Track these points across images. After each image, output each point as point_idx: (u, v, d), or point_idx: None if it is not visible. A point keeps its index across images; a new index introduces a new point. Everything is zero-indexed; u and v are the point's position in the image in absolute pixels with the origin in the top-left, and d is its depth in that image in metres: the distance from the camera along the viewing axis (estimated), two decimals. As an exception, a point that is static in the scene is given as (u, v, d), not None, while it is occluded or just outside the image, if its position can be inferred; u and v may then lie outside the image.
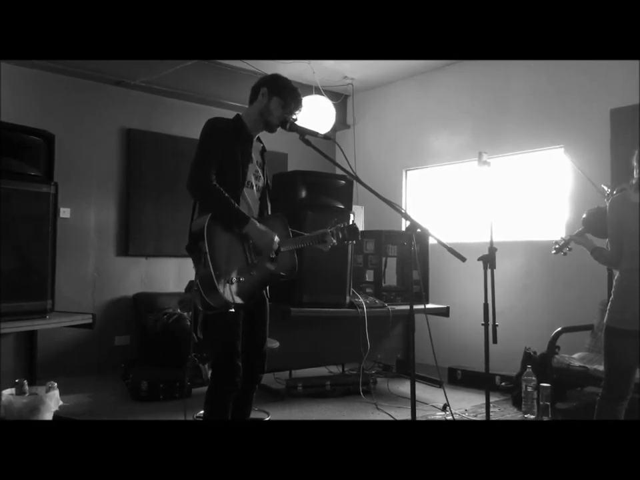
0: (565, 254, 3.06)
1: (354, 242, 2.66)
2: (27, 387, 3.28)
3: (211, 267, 2.17)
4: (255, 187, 2.50)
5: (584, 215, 3.23)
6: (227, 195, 2.29)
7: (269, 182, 2.61)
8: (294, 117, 2.48)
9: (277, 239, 2.39)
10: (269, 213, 2.59)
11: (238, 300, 2.25)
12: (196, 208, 2.40)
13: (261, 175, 2.55)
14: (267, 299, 2.59)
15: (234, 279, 2.25)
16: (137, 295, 5.38)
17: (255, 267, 2.36)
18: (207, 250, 2.18)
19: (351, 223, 2.63)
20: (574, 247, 3.03)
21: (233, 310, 2.25)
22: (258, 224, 2.35)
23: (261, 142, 2.60)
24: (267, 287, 2.56)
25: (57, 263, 3.61)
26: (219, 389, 2.41)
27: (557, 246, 3.07)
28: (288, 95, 2.46)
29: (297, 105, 2.49)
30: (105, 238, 5.34)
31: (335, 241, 2.54)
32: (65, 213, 4.94)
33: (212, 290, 2.18)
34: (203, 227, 2.22)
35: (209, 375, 4.68)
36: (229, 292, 2.22)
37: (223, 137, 2.38)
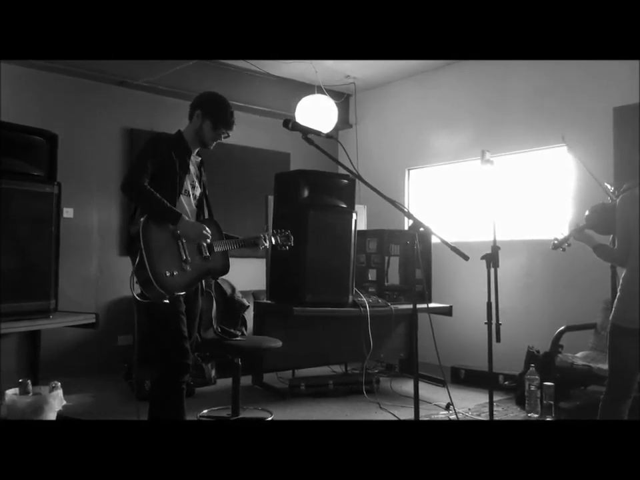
0: (563, 250, 3.04)
1: (287, 247, 3.03)
2: (30, 387, 3.28)
3: (146, 262, 2.41)
4: (191, 196, 2.78)
5: (587, 212, 3.21)
6: (158, 195, 2.50)
7: (206, 191, 2.88)
8: (224, 136, 2.76)
9: (207, 230, 2.62)
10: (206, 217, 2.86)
11: (171, 291, 2.50)
12: (136, 212, 2.61)
13: (197, 185, 2.82)
14: (200, 294, 2.83)
15: (167, 273, 2.48)
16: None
17: (189, 264, 2.59)
18: (143, 247, 2.42)
19: (283, 230, 3.03)
20: (576, 245, 3.01)
21: (167, 301, 2.50)
22: (188, 219, 2.60)
23: (200, 156, 2.88)
24: (202, 283, 2.83)
25: (60, 263, 3.62)
26: (170, 373, 2.54)
27: (556, 241, 3.05)
28: (219, 120, 2.71)
29: (228, 128, 2.74)
30: (107, 238, 5.34)
31: (266, 244, 2.89)
32: (67, 213, 4.95)
33: (147, 283, 2.44)
34: (139, 227, 2.45)
35: (212, 372, 4.72)
36: (164, 284, 2.46)
37: (161, 149, 2.63)
